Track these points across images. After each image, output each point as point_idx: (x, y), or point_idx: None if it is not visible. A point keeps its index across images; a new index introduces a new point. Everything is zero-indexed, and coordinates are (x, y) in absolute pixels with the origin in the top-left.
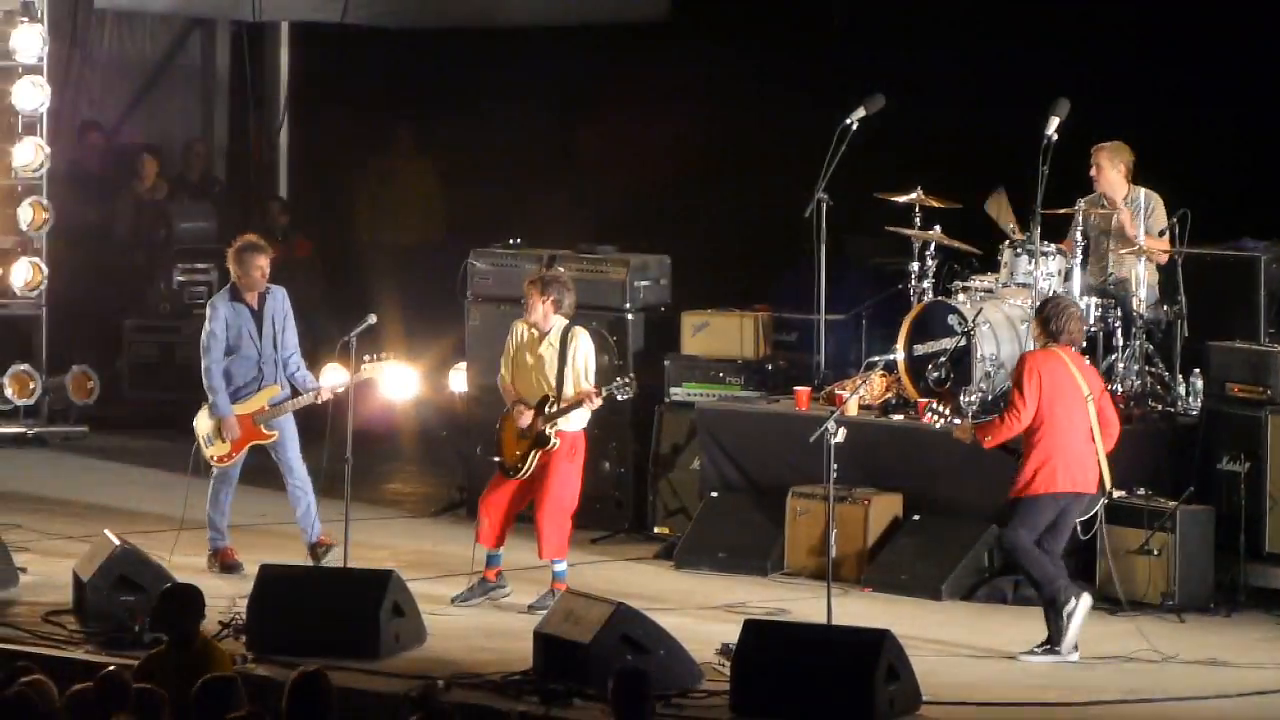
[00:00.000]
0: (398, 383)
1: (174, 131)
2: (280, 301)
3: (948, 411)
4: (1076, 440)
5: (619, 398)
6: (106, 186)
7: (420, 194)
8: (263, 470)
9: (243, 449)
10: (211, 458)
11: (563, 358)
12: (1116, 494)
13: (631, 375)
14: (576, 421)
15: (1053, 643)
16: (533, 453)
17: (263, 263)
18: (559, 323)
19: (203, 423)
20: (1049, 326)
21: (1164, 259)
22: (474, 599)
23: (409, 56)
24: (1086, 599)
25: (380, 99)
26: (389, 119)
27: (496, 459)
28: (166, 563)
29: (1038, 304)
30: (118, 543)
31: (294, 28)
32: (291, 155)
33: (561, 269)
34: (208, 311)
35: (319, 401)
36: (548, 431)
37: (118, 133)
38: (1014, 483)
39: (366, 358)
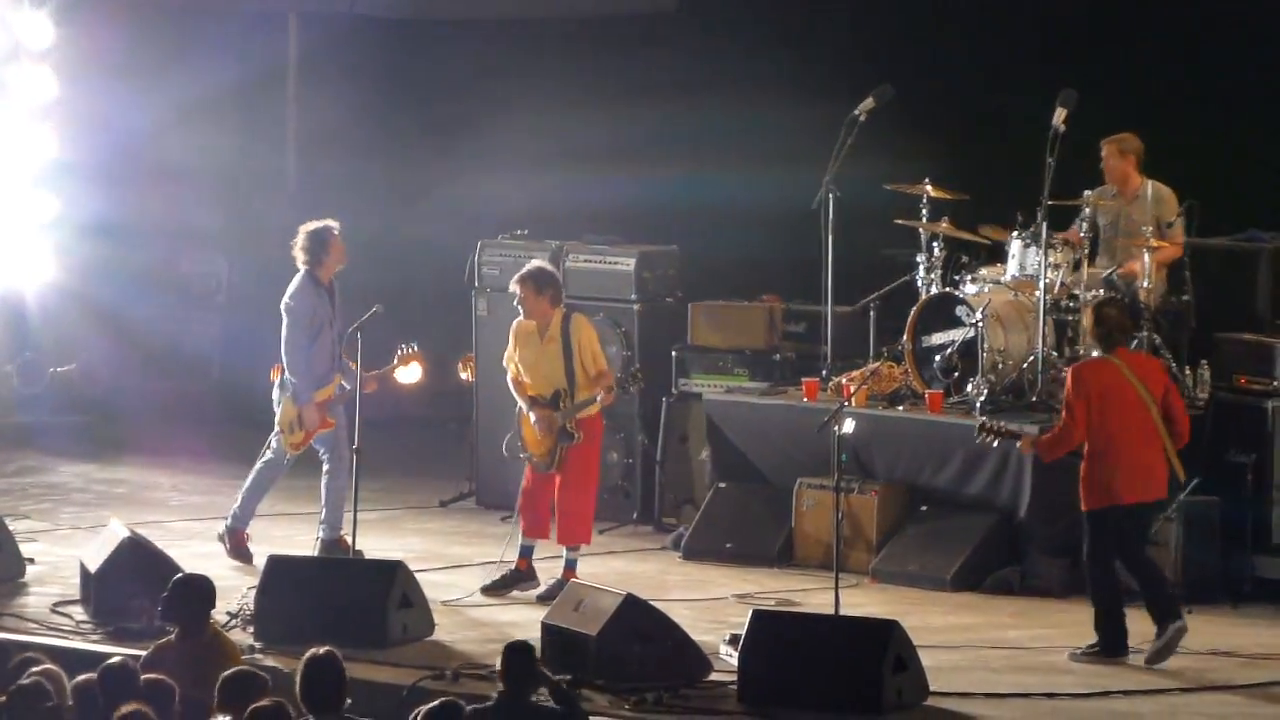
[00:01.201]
0: (409, 373)
1: (182, 125)
2: (335, 290)
3: (996, 427)
4: (1137, 448)
5: (629, 389)
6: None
7: (428, 184)
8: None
9: (313, 437)
10: (289, 446)
11: (568, 348)
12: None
13: (637, 366)
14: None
15: (1101, 646)
16: (559, 448)
17: (340, 245)
18: (558, 314)
19: (288, 410)
20: (1098, 333)
21: (1172, 254)
22: (500, 588)
23: (416, 48)
24: (1178, 624)
25: (388, 87)
26: (397, 108)
27: (523, 455)
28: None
29: (1089, 311)
30: (126, 533)
31: (302, 17)
32: (298, 148)
33: (542, 263)
34: (291, 300)
35: (368, 390)
36: (569, 427)
37: (125, 127)
38: (1082, 496)
39: (402, 349)
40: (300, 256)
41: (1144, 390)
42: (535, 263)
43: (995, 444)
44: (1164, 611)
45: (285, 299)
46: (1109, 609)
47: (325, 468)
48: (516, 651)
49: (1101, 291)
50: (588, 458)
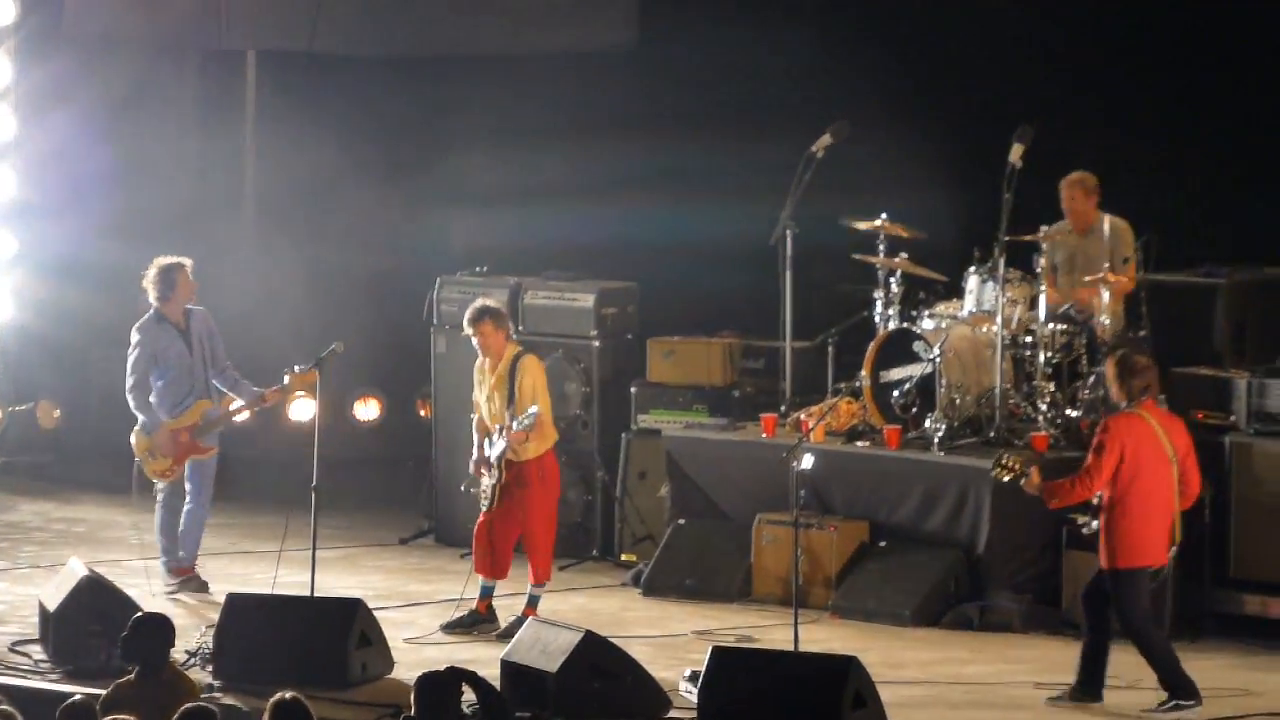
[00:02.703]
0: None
1: (142, 159)
2: (202, 320)
3: (1017, 467)
4: (1158, 509)
5: (515, 428)
6: (74, 214)
7: (386, 221)
8: (224, 497)
9: (183, 463)
10: (152, 474)
11: (511, 388)
12: (1080, 521)
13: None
14: (536, 448)
15: (1175, 696)
16: (492, 486)
17: (190, 283)
18: (510, 351)
19: (140, 441)
20: (1127, 385)
21: (1127, 288)
22: (459, 629)
23: (375, 84)
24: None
25: (346, 126)
26: (355, 146)
27: (474, 491)
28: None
29: (1113, 361)
30: (85, 572)
31: (261, 55)
32: (258, 182)
33: (489, 300)
34: (132, 336)
35: (253, 412)
36: (494, 461)
37: (86, 160)
38: (1113, 553)
39: (292, 369)
40: (150, 292)
41: (1170, 448)
42: (485, 300)
43: (1007, 479)
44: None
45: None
46: (1173, 686)
47: (188, 496)
48: (427, 682)
49: (1062, 326)
50: (539, 500)
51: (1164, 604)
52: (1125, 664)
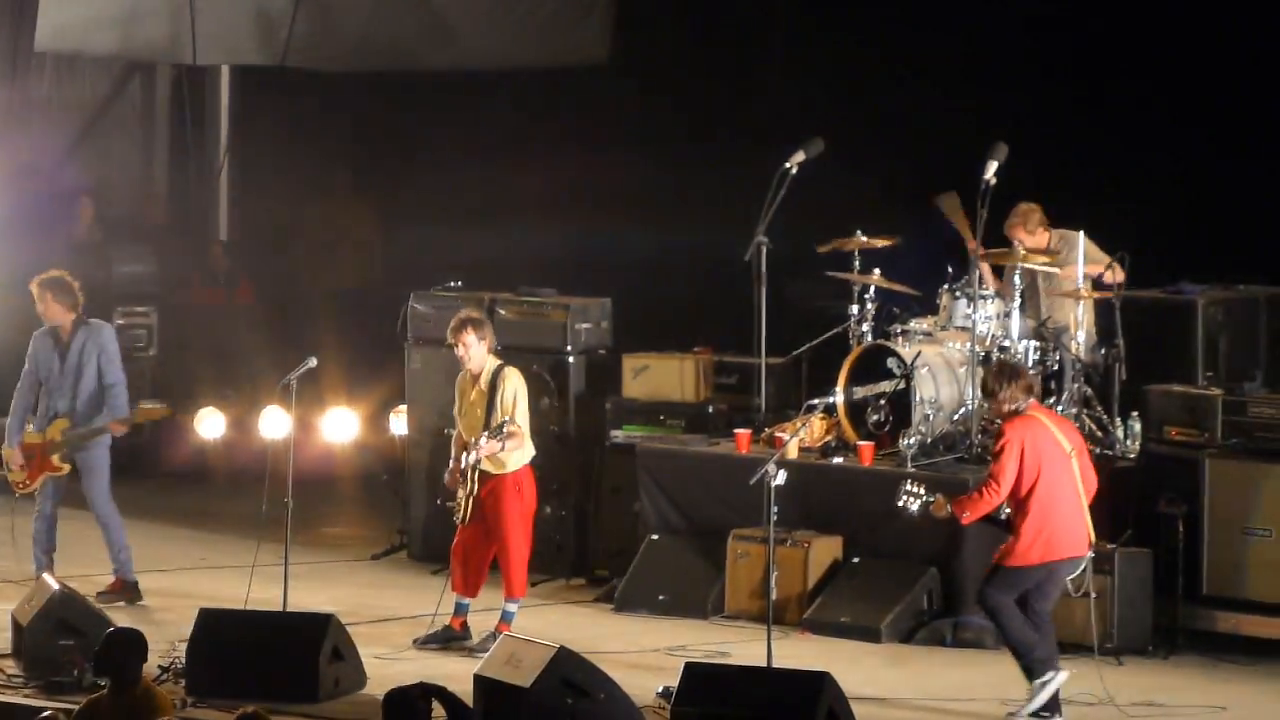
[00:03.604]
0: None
1: (114, 175)
2: (94, 336)
3: (923, 491)
4: (1066, 503)
5: (483, 439)
6: (44, 231)
7: (360, 237)
8: (197, 513)
9: (36, 478)
10: (13, 485)
11: (491, 399)
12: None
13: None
14: (513, 462)
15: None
16: (465, 499)
17: (56, 298)
18: (491, 364)
19: (6, 452)
20: (1011, 389)
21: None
22: (433, 644)
23: (348, 100)
24: (1063, 675)
25: (319, 142)
26: (328, 162)
27: (448, 504)
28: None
29: (992, 371)
30: (57, 586)
31: (234, 71)
32: (232, 198)
33: (472, 311)
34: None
35: (115, 434)
36: (467, 473)
37: (57, 177)
38: (1005, 551)
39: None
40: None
41: (1066, 443)
42: (470, 311)
43: (915, 507)
44: (1031, 677)
45: None
46: (1028, 667)
47: (38, 509)
48: (396, 697)
49: (1034, 343)
50: (513, 514)
51: (1144, 618)
52: (1096, 675)
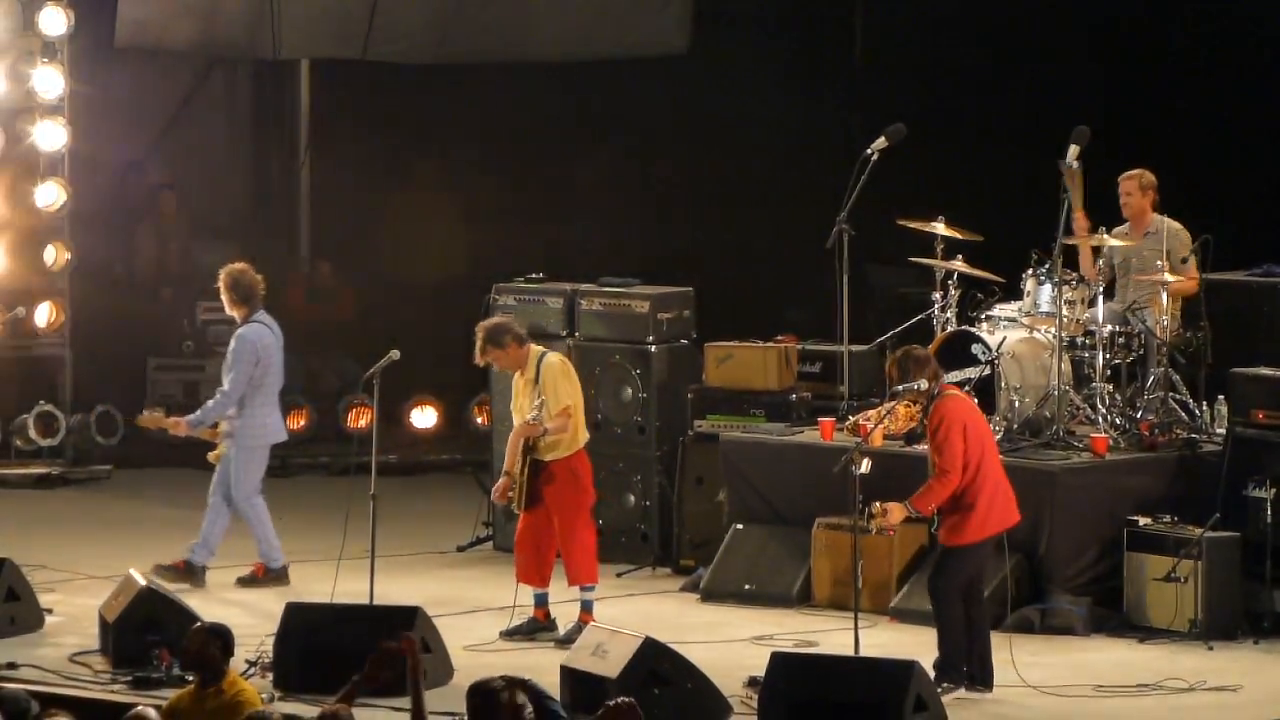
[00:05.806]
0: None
1: (196, 169)
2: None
3: (878, 510)
4: (1000, 471)
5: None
6: (131, 225)
7: (443, 228)
8: (292, 508)
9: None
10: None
11: (536, 389)
12: (1142, 521)
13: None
14: (564, 447)
15: (942, 678)
16: (519, 485)
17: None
18: (534, 355)
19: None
20: (924, 371)
21: (1189, 288)
22: (519, 635)
23: (429, 91)
24: (958, 693)
25: (401, 134)
26: (410, 154)
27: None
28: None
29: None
30: (143, 582)
31: (315, 64)
32: (314, 191)
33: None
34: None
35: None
36: (524, 463)
37: (144, 171)
38: (955, 527)
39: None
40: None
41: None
42: (479, 329)
43: (876, 527)
44: (938, 678)
45: None
46: (943, 669)
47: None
48: (480, 690)
49: (1120, 328)
50: (570, 499)
51: (1232, 603)
52: (1185, 661)
